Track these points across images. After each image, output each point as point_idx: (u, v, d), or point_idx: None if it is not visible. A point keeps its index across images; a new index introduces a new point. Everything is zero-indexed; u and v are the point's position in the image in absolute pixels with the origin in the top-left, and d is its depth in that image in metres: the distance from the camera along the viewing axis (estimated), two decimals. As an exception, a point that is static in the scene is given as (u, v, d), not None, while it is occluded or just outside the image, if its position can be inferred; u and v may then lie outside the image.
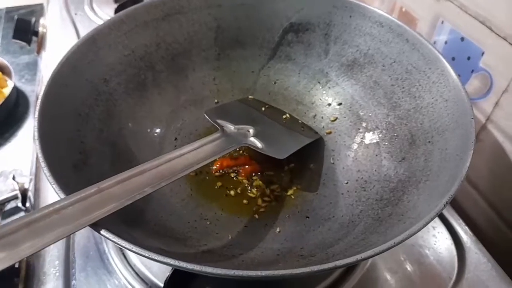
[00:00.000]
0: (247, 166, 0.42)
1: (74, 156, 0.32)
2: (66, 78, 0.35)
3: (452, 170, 0.28)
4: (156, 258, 0.22)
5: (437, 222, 0.42)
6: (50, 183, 0.25)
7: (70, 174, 0.29)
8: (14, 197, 0.69)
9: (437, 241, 0.41)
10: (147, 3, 0.43)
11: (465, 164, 0.27)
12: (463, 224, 0.42)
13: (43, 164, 0.26)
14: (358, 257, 0.23)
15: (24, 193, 0.63)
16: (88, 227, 0.23)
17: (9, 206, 0.71)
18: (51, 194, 0.47)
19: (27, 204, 0.60)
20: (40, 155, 0.27)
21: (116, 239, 0.23)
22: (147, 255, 0.22)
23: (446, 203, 0.25)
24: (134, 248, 0.22)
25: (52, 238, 0.22)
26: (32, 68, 0.97)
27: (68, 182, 0.27)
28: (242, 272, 0.22)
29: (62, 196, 0.24)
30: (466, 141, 0.29)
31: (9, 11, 1.16)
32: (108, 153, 0.36)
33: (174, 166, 0.31)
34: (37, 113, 0.30)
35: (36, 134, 0.28)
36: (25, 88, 0.97)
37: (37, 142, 0.28)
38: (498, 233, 0.44)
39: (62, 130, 0.32)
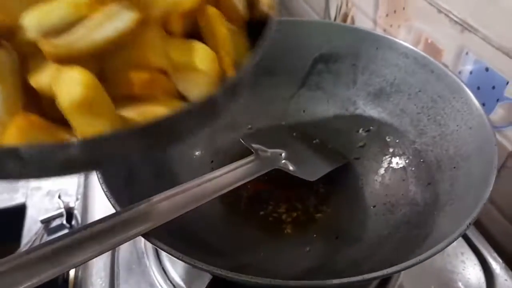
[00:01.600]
0: (278, 189, 0.44)
1: (124, 174, 0.35)
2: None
3: (476, 194, 0.30)
4: (200, 265, 0.25)
5: (465, 248, 0.43)
6: (108, 197, 0.28)
7: (121, 190, 0.32)
8: (60, 215, 0.73)
9: (465, 267, 0.41)
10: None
11: (488, 189, 0.28)
12: (492, 250, 0.43)
13: (101, 181, 0.30)
14: (385, 271, 0.25)
15: (69, 211, 0.67)
16: (137, 238, 0.26)
17: (55, 223, 0.75)
18: (97, 212, 0.51)
19: (73, 222, 0.64)
20: (100, 178, 0.30)
21: (165, 247, 0.26)
22: (192, 262, 0.25)
23: (469, 224, 0.26)
24: (181, 256, 0.25)
25: (110, 245, 0.25)
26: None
27: (119, 197, 0.30)
28: (280, 282, 0.24)
29: (118, 208, 0.28)
30: (489, 167, 0.31)
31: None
32: (153, 172, 0.39)
33: (213, 186, 0.34)
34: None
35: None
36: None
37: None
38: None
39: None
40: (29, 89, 0.19)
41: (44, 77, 0.19)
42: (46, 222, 0.73)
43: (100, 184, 0.29)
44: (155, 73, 0.21)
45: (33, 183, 0.86)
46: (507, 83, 0.42)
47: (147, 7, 0.20)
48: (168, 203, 0.29)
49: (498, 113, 0.44)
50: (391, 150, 0.44)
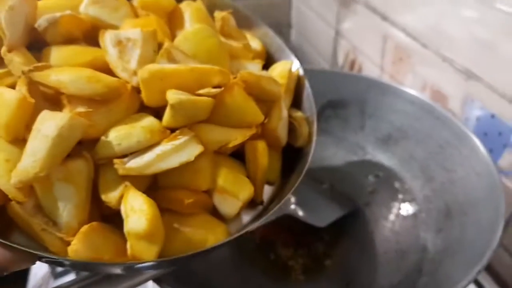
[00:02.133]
0: (287, 234, 0.44)
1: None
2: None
3: (485, 241, 0.30)
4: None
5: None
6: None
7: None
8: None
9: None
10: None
11: (496, 236, 0.28)
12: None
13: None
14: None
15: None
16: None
17: (61, 267, 0.75)
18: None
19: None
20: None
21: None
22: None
23: (479, 271, 0.26)
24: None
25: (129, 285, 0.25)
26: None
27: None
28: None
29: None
30: (497, 214, 0.31)
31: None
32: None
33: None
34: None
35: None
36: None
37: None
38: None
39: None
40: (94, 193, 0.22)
41: (114, 195, 0.22)
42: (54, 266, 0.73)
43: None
44: (200, 194, 0.24)
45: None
46: (513, 129, 0.43)
47: (207, 142, 0.23)
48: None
49: (506, 158, 0.44)
50: (400, 196, 0.44)
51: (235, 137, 0.24)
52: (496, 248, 0.28)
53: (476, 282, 0.43)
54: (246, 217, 0.26)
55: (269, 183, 0.28)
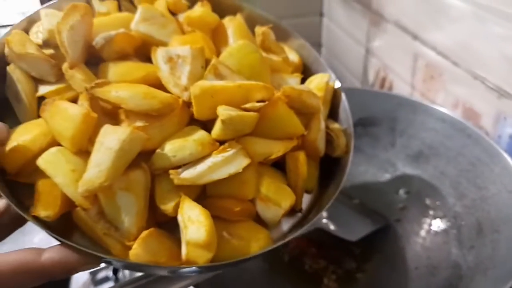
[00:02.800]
0: (319, 248, 0.45)
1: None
2: None
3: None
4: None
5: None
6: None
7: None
8: (106, 267, 0.76)
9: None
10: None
11: None
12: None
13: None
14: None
15: (115, 263, 0.70)
16: None
17: (101, 275, 0.78)
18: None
19: (120, 274, 0.67)
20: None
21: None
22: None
23: (510, 288, 0.27)
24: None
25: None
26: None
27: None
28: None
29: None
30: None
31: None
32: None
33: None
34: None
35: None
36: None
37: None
38: None
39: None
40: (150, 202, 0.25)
41: (170, 203, 0.24)
42: (94, 273, 0.76)
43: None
44: (246, 203, 0.26)
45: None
46: (548, 147, 0.42)
47: (253, 154, 0.25)
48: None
49: (540, 177, 0.44)
50: (431, 212, 0.44)
51: (278, 149, 0.26)
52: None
53: None
54: (286, 225, 0.28)
55: (307, 191, 0.30)
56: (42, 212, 0.23)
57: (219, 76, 0.26)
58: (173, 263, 0.23)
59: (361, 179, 0.52)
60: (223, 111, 0.24)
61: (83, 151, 0.24)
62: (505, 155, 0.38)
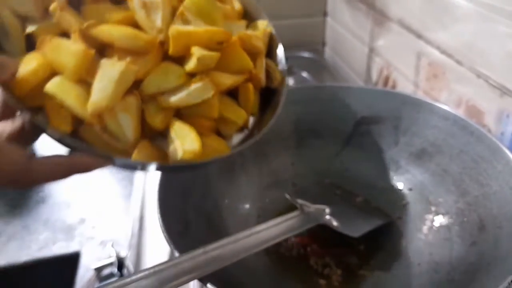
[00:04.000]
0: (322, 244, 0.46)
1: (180, 225, 0.39)
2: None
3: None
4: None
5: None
6: (169, 244, 0.32)
7: (179, 238, 0.35)
8: (111, 264, 0.77)
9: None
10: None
11: None
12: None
13: (162, 229, 0.33)
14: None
15: (120, 260, 0.71)
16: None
17: (106, 271, 0.79)
18: (149, 261, 0.54)
19: (125, 271, 0.68)
20: (162, 226, 0.34)
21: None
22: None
23: (511, 282, 0.27)
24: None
25: (173, 285, 0.28)
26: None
27: (177, 245, 0.34)
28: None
29: (177, 254, 0.31)
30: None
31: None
32: (205, 224, 0.42)
33: (260, 238, 0.37)
34: (157, 192, 0.38)
35: (158, 209, 0.36)
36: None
37: (158, 214, 0.35)
38: None
39: (171, 206, 0.39)
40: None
41: (156, 120, 0.31)
42: (99, 270, 0.77)
43: (162, 232, 0.33)
44: (212, 121, 0.34)
45: (88, 233, 0.92)
46: (550, 145, 0.43)
47: (218, 84, 0.33)
48: (220, 251, 0.32)
49: (543, 174, 0.44)
50: (434, 209, 0.45)
51: (234, 80, 0.34)
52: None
53: None
54: (236, 139, 0.37)
55: (252, 115, 0.37)
56: (59, 128, 0.29)
57: (185, 21, 0.32)
58: (164, 162, 0.31)
59: (365, 177, 0.52)
60: (198, 51, 0.31)
61: (81, 81, 0.29)
62: (508, 152, 0.39)
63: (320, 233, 0.46)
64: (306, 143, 0.54)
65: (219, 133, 0.35)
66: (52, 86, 0.28)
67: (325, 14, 1.03)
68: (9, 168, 0.26)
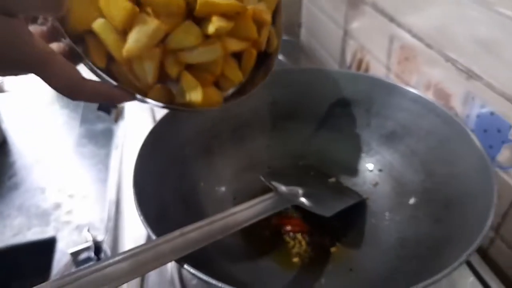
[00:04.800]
0: (295, 224, 0.47)
1: (156, 209, 0.39)
2: (151, 145, 0.43)
3: (479, 228, 0.32)
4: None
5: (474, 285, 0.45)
6: (147, 228, 0.32)
7: (155, 222, 0.36)
8: (88, 248, 0.77)
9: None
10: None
11: (488, 222, 0.31)
12: (501, 283, 0.45)
13: (138, 212, 0.34)
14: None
15: (97, 244, 0.71)
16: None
17: (83, 256, 0.79)
18: (127, 245, 0.54)
19: (102, 255, 0.68)
20: (138, 209, 0.35)
21: (195, 271, 0.29)
22: (219, 284, 0.28)
23: (470, 254, 0.29)
24: (209, 279, 0.28)
25: (151, 267, 0.28)
26: (108, 133, 1.11)
27: (154, 227, 0.34)
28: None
29: (154, 237, 0.31)
30: (490, 203, 0.33)
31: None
32: (181, 207, 0.43)
33: (236, 219, 0.38)
34: (132, 176, 0.38)
35: (134, 193, 0.36)
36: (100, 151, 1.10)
37: (135, 198, 0.36)
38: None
39: (147, 189, 0.40)
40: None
41: (173, 70, 0.38)
42: (75, 254, 0.77)
43: (139, 216, 0.33)
44: (215, 76, 0.40)
45: (63, 218, 0.91)
46: (510, 126, 0.45)
47: (227, 48, 0.39)
48: (197, 233, 0.33)
49: (504, 154, 0.47)
50: (402, 188, 0.47)
51: (241, 46, 0.40)
52: (487, 233, 0.30)
53: (478, 275, 0.46)
54: (230, 91, 0.43)
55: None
56: (96, 61, 0.35)
57: None
58: (171, 102, 0.39)
59: (338, 158, 0.54)
60: (217, 21, 0.36)
61: (124, 31, 0.35)
62: (471, 134, 0.40)
63: (294, 214, 0.48)
64: (281, 125, 0.55)
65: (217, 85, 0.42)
66: (98, 26, 0.34)
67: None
68: (66, 82, 0.31)
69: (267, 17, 0.42)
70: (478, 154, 0.39)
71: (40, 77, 0.30)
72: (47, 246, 0.87)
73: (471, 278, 0.45)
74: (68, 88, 0.32)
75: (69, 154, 1.08)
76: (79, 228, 0.90)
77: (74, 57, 0.34)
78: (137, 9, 0.34)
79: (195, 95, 0.38)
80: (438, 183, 0.43)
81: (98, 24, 0.34)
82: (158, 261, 0.29)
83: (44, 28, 0.34)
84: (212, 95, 0.41)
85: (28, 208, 0.91)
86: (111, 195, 0.73)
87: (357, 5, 0.75)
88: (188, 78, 0.38)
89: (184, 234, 0.32)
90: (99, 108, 0.85)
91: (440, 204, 0.42)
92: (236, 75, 0.42)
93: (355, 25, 0.78)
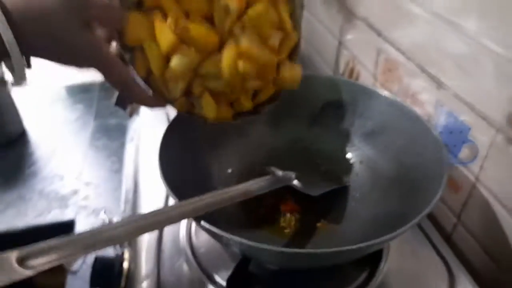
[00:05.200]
0: (288, 204, 0.57)
1: (178, 181, 0.48)
2: (169, 138, 0.52)
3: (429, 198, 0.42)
4: (231, 237, 0.38)
5: (441, 265, 0.53)
6: (170, 193, 0.42)
7: (176, 190, 0.45)
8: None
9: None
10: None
11: (438, 195, 0.42)
12: (461, 264, 0.54)
13: (165, 185, 0.43)
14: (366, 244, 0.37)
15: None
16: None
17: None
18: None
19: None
20: (163, 180, 0.44)
21: (210, 226, 0.39)
22: (228, 236, 0.38)
23: (419, 220, 0.39)
24: (220, 232, 0.38)
25: (177, 218, 0.38)
26: (120, 128, 1.18)
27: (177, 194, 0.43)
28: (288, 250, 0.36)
29: (177, 200, 0.41)
30: (441, 186, 0.43)
31: (104, 82, 1.42)
32: (196, 183, 0.52)
33: (238, 192, 0.46)
34: (158, 158, 0.47)
35: (158, 164, 0.46)
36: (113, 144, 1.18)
37: (160, 173, 0.45)
38: (486, 268, 0.54)
39: (171, 164, 0.48)
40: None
41: (198, 90, 0.47)
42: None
43: (163, 182, 0.43)
44: (229, 98, 0.49)
45: (81, 202, 0.99)
46: (470, 129, 0.54)
47: (246, 85, 0.47)
48: (210, 199, 0.42)
49: (464, 152, 0.56)
50: (378, 176, 0.56)
51: (261, 86, 0.50)
52: (435, 204, 0.40)
53: (444, 260, 0.54)
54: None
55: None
56: (138, 71, 0.45)
57: (243, 28, 0.44)
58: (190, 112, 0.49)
59: (327, 151, 0.63)
60: (244, 64, 0.44)
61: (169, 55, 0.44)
62: (433, 131, 0.50)
63: (287, 196, 0.57)
64: (281, 121, 0.64)
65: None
66: (147, 46, 0.43)
67: (301, 6, 1.13)
68: (121, 81, 0.41)
69: (288, 79, 0.51)
70: (438, 149, 0.49)
71: (102, 74, 0.39)
72: (67, 228, 0.95)
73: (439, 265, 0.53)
74: (121, 86, 0.41)
75: (84, 146, 1.16)
76: (95, 211, 0.99)
77: (123, 59, 0.44)
78: (177, 42, 0.43)
79: (211, 112, 0.47)
80: (406, 171, 0.53)
81: (148, 45, 0.43)
82: (181, 217, 0.39)
83: (105, 32, 0.43)
84: (224, 112, 0.49)
85: (48, 193, 1.00)
86: (128, 182, 0.80)
87: (351, 19, 0.85)
88: (207, 99, 0.47)
89: (202, 200, 0.41)
90: (116, 104, 0.93)
91: (408, 187, 0.51)
92: (247, 104, 0.49)
93: (349, 37, 0.88)
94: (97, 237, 0.33)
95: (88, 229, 0.33)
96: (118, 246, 0.57)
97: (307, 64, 1.07)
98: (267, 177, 0.52)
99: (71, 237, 0.32)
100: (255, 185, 0.48)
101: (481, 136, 0.52)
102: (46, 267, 0.29)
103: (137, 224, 0.35)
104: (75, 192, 1.04)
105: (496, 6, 0.48)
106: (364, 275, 0.50)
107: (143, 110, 0.91)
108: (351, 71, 0.87)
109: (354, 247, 0.37)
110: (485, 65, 0.50)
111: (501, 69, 0.48)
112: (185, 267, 0.51)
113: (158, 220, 0.37)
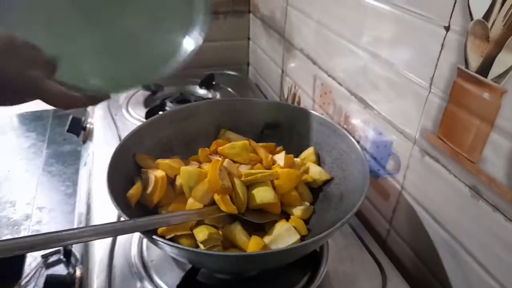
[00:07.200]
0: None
1: (126, 203, 0.52)
2: (121, 154, 0.56)
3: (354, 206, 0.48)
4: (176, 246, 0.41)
5: (374, 266, 0.59)
6: (120, 211, 0.45)
7: (126, 210, 0.48)
8: (57, 251, 0.86)
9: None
10: (171, 110, 0.67)
11: (363, 196, 0.48)
12: (393, 265, 0.59)
13: (114, 204, 0.46)
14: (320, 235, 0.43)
15: (66, 248, 0.79)
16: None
17: (52, 259, 0.87)
18: (96, 246, 0.63)
19: (72, 258, 0.76)
20: (112, 199, 0.47)
21: (159, 239, 0.42)
22: (174, 245, 0.42)
23: (346, 221, 0.45)
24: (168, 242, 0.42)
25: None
26: (74, 154, 1.19)
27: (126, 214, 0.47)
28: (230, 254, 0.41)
29: (127, 218, 0.45)
30: (363, 193, 0.49)
31: (56, 111, 1.42)
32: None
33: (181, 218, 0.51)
34: (106, 178, 0.50)
35: (107, 188, 0.49)
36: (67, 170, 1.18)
37: (108, 191, 0.48)
38: (416, 269, 0.61)
39: (117, 186, 0.52)
40: None
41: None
42: (45, 257, 0.85)
43: (115, 206, 0.46)
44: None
45: (34, 227, 0.98)
46: (392, 143, 0.62)
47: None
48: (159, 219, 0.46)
49: (390, 164, 0.63)
50: (316, 189, 0.62)
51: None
52: (358, 208, 0.46)
53: (377, 261, 0.60)
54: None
55: None
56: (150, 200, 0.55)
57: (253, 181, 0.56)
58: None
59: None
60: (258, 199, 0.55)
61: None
62: (358, 147, 0.57)
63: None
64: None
65: None
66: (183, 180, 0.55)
67: (248, 38, 1.21)
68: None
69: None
70: (362, 162, 0.55)
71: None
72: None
73: (373, 267, 0.59)
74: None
75: (38, 172, 1.16)
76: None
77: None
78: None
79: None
80: (337, 184, 0.59)
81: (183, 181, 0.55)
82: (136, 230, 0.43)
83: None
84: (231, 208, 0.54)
85: (-1, 219, 0.98)
86: (81, 205, 0.81)
87: (290, 49, 0.93)
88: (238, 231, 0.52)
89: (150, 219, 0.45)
90: (69, 130, 0.95)
91: (337, 197, 0.57)
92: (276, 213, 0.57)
93: (290, 65, 0.95)
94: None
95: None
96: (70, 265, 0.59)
97: (255, 91, 1.14)
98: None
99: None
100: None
101: (402, 149, 0.60)
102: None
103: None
104: (27, 217, 1.04)
105: (411, 42, 0.56)
106: (306, 278, 0.55)
107: (96, 135, 0.93)
108: (294, 96, 0.95)
109: (291, 247, 0.42)
110: (402, 89, 0.58)
111: (415, 92, 0.55)
112: (137, 281, 0.54)
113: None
